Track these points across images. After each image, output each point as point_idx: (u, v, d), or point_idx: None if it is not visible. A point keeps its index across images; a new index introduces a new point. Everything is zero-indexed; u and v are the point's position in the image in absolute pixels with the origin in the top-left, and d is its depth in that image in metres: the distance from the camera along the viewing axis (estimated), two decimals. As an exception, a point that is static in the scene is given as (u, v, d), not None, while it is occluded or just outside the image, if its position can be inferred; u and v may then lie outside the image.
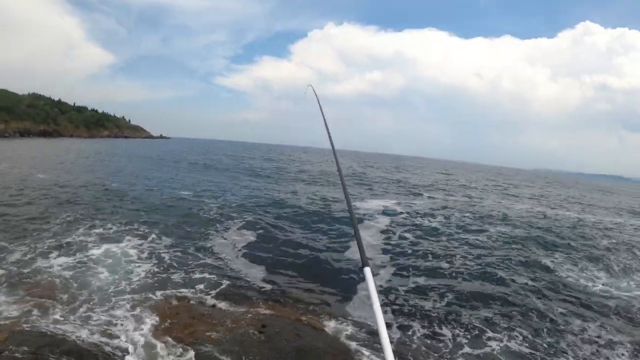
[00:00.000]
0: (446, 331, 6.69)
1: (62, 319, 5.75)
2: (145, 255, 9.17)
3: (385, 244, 11.86)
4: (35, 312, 5.85)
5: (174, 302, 6.71)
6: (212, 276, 8.19)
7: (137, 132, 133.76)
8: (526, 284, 9.21)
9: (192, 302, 6.88)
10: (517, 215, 19.51)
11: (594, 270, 10.83)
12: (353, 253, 10.37)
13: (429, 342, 6.33)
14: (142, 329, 5.63)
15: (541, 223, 17.78)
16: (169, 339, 5.41)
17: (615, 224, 20.41)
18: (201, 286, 7.63)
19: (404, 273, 9.45)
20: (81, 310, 6.16)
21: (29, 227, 10.31)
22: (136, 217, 12.29)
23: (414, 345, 6.20)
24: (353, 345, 5.92)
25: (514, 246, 12.66)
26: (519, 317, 7.39)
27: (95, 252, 8.96)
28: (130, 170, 26.73)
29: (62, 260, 8.31)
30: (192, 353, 5.11)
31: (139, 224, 11.45)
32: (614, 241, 15.18)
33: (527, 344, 6.37)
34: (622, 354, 6.31)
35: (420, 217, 16.61)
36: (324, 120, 4.35)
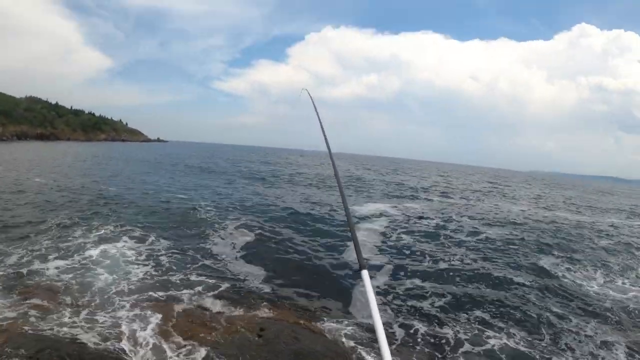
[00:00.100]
0: (446, 330, 6.75)
1: (61, 321, 5.73)
2: (143, 257, 9.16)
3: (383, 245, 11.89)
4: (33, 314, 5.83)
5: (173, 305, 6.71)
6: (210, 279, 8.18)
7: (134, 135, 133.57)
8: (523, 284, 9.27)
9: (190, 305, 6.87)
10: (514, 217, 19.57)
11: (590, 270, 10.88)
12: (350, 255, 10.40)
13: (431, 340, 6.42)
14: (143, 332, 5.63)
15: (538, 225, 17.84)
16: (170, 342, 5.42)
17: (612, 225, 20.49)
18: (199, 288, 7.62)
19: (402, 274, 9.50)
20: (82, 312, 6.14)
21: (26, 230, 10.29)
22: (133, 220, 12.26)
23: (417, 343, 6.30)
24: (351, 348, 5.94)
25: (511, 247, 12.71)
26: (517, 316, 7.46)
27: (94, 253, 8.95)
28: (127, 173, 26.68)
29: (60, 262, 8.29)
30: (190, 358, 5.11)
31: (137, 227, 11.42)
32: (610, 242, 15.27)
33: (525, 343, 6.43)
34: (618, 354, 6.35)
35: (418, 219, 16.64)
36: (320, 123, 4.38)
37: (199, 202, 16.37)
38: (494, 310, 7.70)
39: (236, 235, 11.55)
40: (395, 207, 19.74)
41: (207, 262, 9.24)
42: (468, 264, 10.65)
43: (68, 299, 6.64)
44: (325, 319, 6.88)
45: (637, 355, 6.32)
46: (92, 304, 6.56)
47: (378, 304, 1.69)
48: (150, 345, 5.32)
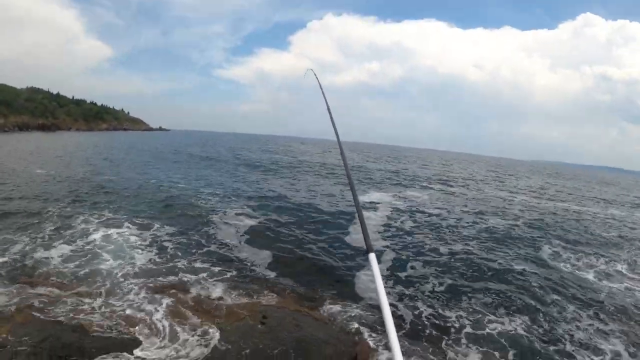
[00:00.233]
0: (449, 313, 6.92)
1: (65, 309, 5.74)
2: (147, 243, 9.32)
3: (385, 232, 11.92)
4: (38, 303, 5.85)
5: (177, 292, 6.71)
6: (213, 265, 8.22)
7: (136, 124, 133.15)
8: (523, 271, 9.35)
9: (193, 292, 6.89)
10: (516, 207, 19.57)
11: (589, 260, 10.94)
12: (354, 240, 10.44)
13: (435, 322, 6.59)
14: (148, 319, 5.64)
15: (539, 214, 17.85)
16: (174, 329, 5.42)
17: (614, 216, 20.47)
18: (203, 275, 7.68)
19: (405, 259, 9.62)
20: (85, 300, 6.17)
21: (29, 219, 10.30)
22: (136, 208, 12.33)
23: (423, 325, 6.49)
24: (354, 334, 5.95)
25: (511, 236, 12.74)
26: (517, 303, 7.57)
27: (97, 240, 9.08)
28: (128, 163, 26.64)
29: (64, 250, 8.38)
30: (194, 345, 5.11)
31: (139, 215, 11.48)
32: (612, 233, 15.31)
33: (524, 329, 6.56)
34: (613, 342, 6.42)
35: (419, 208, 16.64)
36: (327, 104, 4.24)
37: (201, 191, 16.38)
38: (494, 296, 7.81)
39: (239, 223, 11.55)
40: (397, 195, 19.72)
41: (211, 248, 9.30)
42: (469, 251, 10.70)
43: (72, 287, 6.67)
44: (327, 305, 6.89)
45: (631, 344, 6.38)
46: (96, 291, 6.59)
47: (384, 286, 1.65)
48: (154, 332, 5.33)
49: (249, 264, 8.61)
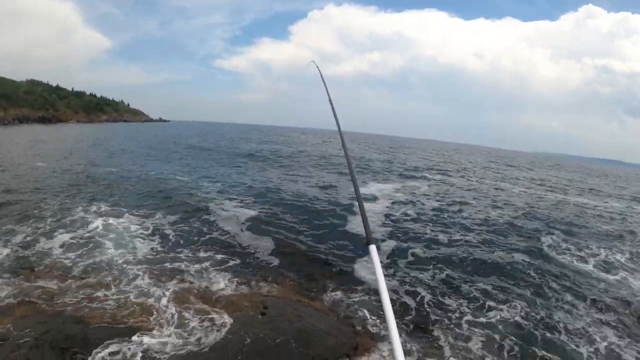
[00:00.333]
0: (450, 300, 7.09)
1: (67, 301, 5.77)
2: (148, 232, 9.48)
3: (386, 222, 11.94)
4: (40, 295, 5.88)
5: (178, 282, 6.74)
6: (215, 255, 8.28)
7: (136, 115, 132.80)
8: (523, 260, 9.42)
9: (194, 281, 6.94)
10: (516, 197, 19.58)
11: (588, 252, 10.95)
12: (355, 231, 10.46)
13: (436, 309, 6.75)
14: (150, 309, 5.66)
15: (540, 205, 17.86)
16: (175, 319, 5.44)
17: (614, 209, 20.48)
18: (205, 264, 7.75)
19: (405, 247, 9.74)
20: (87, 290, 6.20)
21: (30, 211, 10.30)
22: (136, 199, 12.42)
23: (423, 310, 6.69)
24: (355, 325, 5.97)
25: (511, 227, 12.75)
26: (516, 291, 7.69)
27: (98, 230, 9.18)
28: (128, 155, 26.58)
29: (66, 240, 8.46)
30: (194, 335, 5.13)
31: (139, 205, 11.55)
32: (612, 225, 15.33)
33: (522, 317, 6.67)
34: (607, 331, 6.51)
35: (420, 197, 16.67)
36: (328, 94, 4.24)
37: (200, 182, 16.41)
38: (493, 284, 7.90)
39: (239, 213, 11.54)
40: (398, 185, 19.73)
41: (212, 237, 9.36)
42: (469, 241, 10.75)
43: (74, 278, 6.72)
44: (328, 295, 6.92)
45: (625, 335, 6.46)
46: (99, 281, 6.63)
47: (384, 275, 1.64)
48: (157, 321, 5.35)
49: (249, 254, 8.63)
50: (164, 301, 5.99)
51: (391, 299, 6.42)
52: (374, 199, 15.50)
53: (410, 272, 8.25)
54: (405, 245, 9.96)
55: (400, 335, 5.67)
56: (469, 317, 6.51)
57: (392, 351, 1.39)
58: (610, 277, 9.18)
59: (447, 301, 7.04)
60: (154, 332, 5.16)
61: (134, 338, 4.94)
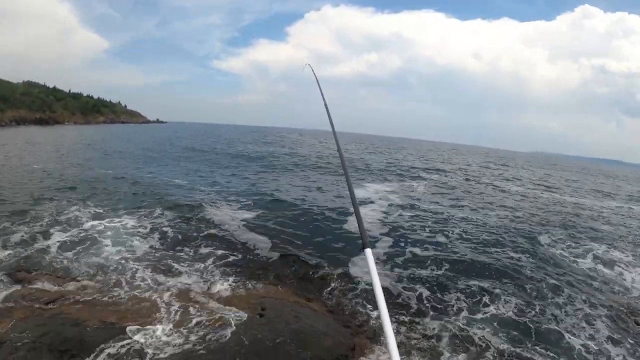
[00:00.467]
0: (446, 298, 7.20)
1: (64, 303, 5.76)
2: (147, 230, 9.62)
3: (383, 221, 12.03)
4: (37, 297, 5.86)
5: (175, 283, 6.75)
6: (210, 257, 8.31)
7: (133, 117, 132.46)
8: (519, 258, 9.54)
9: (192, 283, 6.98)
10: (513, 197, 19.63)
11: (586, 249, 11.08)
12: (351, 232, 10.48)
13: (434, 308, 6.85)
14: (145, 311, 5.65)
15: (537, 204, 17.92)
16: (172, 321, 5.44)
17: (611, 207, 20.58)
18: (202, 265, 7.80)
19: (402, 246, 9.88)
20: (86, 291, 6.19)
21: (27, 213, 10.25)
22: (133, 200, 12.44)
23: (421, 308, 6.79)
24: (352, 326, 6.00)
25: (510, 225, 12.85)
26: (513, 287, 7.82)
27: (96, 233, 9.15)
28: (125, 156, 26.53)
29: (63, 242, 8.44)
30: (192, 336, 5.14)
31: (136, 206, 11.61)
32: (610, 224, 15.41)
33: (517, 312, 6.82)
34: (599, 326, 6.64)
35: (417, 197, 16.76)
36: (323, 98, 4.26)
37: (197, 184, 16.48)
38: (491, 281, 8.02)
39: (236, 215, 11.56)
40: (395, 185, 19.79)
41: (208, 240, 9.33)
42: (467, 239, 10.87)
43: (72, 279, 6.76)
44: (326, 297, 6.96)
45: (615, 330, 6.56)
46: (97, 282, 6.68)
47: (380, 275, 1.66)
48: (154, 321, 5.34)
49: (247, 255, 8.64)
50: (161, 303, 5.98)
51: (388, 298, 6.52)
52: (371, 197, 15.55)
53: (407, 270, 8.31)
54: (402, 244, 10.02)
55: (397, 333, 5.74)
56: (465, 314, 6.63)
57: (387, 352, 1.42)
58: (607, 274, 9.31)
59: (444, 299, 7.14)
60: (152, 333, 5.15)
61: (132, 339, 4.94)
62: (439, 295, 7.26)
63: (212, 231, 9.95)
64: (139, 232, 9.40)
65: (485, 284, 7.78)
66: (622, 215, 18.34)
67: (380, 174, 24.97)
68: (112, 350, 4.70)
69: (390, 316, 1.46)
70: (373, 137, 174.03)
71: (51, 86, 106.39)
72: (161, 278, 6.97)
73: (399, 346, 1.43)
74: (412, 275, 8.01)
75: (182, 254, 8.31)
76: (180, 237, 9.37)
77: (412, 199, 16.31)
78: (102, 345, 4.76)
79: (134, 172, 18.88)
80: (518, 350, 5.70)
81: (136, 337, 5.00)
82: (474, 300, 7.13)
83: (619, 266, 9.92)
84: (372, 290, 1.64)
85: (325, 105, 4.13)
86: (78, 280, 6.72)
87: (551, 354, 5.68)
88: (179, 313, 5.71)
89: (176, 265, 7.62)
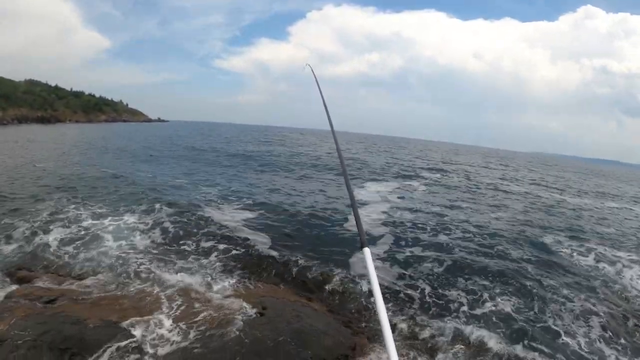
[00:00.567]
0: (446, 297, 7.23)
1: (65, 302, 5.77)
2: (148, 227, 9.63)
3: (383, 220, 12.06)
4: (38, 295, 5.88)
5: (175, 282, 6.76)
6: (211, 256, 8.31)
7: (135, 115, 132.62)
8: (520, 257, 9.58)
9: (192, 282, 6.96)
10: (513, 197, 19.62)
11: (585, 248, 11.10)
12: (352, 231, 10.48)
13: (435, 303, 6.95)
14: (144, 311, 5.67)
15: (537, 204, 17.92)
16: (171, 321, 5.45)
17: (611, 208, 20.61)
18: (202, 263, 7.81)
19: (403, 244, 9.94)
20: (87, 289, 6.21)
21: (28, 211, 10.26)
22: (133, 199, 12.37)
23: (420, 307, 6.85)
24: (353, 325, 6.01)
25: (510, 224, 12.86)
26: (513, 285, 7.85)
27: (96, 230, 9.17)
28: (126, 155, 26.52)
29: (63, 240, 8.46)
30: (192, 336, 5.16)
31: (137, 204, 11.57)
32: (609, 225, 15.40)
33: (515, 310, 6.88)
34: (599, 326, 6.67)
35: (417, 196, 16.79)
36: (322, 98, 4.26)
37: (197, 183, 16.42)
38: (491, 280, 8.03)
39: (236, 214, 11.57)
40: (395, 185, 19.78)
41: (208, 238, 9.32)
42: (467, 237, 10.90)
43: (73, 277, 6.79)
44: (326, 296, 6.98)
45: (609, 329, 6.60)
46: (98, 280, 6.68)
47: (380, 274, 1.67)
48: (152, 321, 5.36)
49: (247, 254, 8.64)
50: (162, 301, 6.00)
51: (387, 297, 6.55)
52: (370, 196, 15.57)
53: (407, 269, 8.33)
54: (402, 243, 10.03)
55: (396, 332, 5.75)
56: (465, 313, 6.66)
57: (386, 351, 1.42)
58: (607, 274, 9.33)
59: (444, 298, 7.17)
60: (152, 331, 5.17)
61: (133, 337, 4.96)
62: (438, 294, 7.28)
63: (212, 231, 9.92)
64: (139, 230, 9.40)
65: (485, 283, 7.81)
66: (622, 215, 18.34)
67: (381, 172, 24.97)
68: (113, 348, 4.72)
69: (389, 315, 1.47)
70: (374, 137, 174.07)
71: (53, 85, 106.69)
72: (160, 279, 6.96)
73: (397, 346, 1.43)
74: (411, 274, 8.03)
75: (180, 255, 8.26)
76: (179, 237, 9.33)
77: (412, 198, 16.32)
78: (103, 344, 4.77)
79: (135, 171, 18.88)
80: (518, 350, 5.70)
81: (137, 335, 5.02)
82: (474, 299, 7.14)
83: (619, 266, 9.93)
84: (371, 290, 1.64)
85: (325, 105, 4.13)
86: (79, 278, 6.74)
87: (551, 354, 5.68)
88: (179, 311, 5.73)
89: (175, 266, 7.59)
